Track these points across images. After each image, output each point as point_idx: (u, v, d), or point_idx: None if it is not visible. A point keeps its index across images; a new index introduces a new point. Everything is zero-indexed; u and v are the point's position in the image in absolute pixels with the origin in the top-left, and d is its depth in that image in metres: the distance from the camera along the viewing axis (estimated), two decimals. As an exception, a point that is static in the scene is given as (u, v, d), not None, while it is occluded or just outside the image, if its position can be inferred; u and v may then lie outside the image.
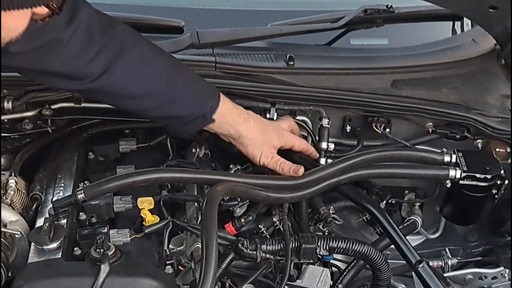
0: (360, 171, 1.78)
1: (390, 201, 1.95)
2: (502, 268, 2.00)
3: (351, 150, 1.92)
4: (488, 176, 1.83)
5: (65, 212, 1.64)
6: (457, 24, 2.32)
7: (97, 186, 1.65)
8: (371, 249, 1.69)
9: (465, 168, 1.81)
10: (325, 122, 1.91)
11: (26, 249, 1.61)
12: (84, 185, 1.69)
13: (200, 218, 1.70)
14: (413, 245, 1.79)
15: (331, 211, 1.78)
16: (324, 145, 1.88)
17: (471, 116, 1.94)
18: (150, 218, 1.67)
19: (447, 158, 1.82)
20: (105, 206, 1.68)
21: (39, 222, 1.66)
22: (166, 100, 1.71)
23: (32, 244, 1.58)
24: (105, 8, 2.20)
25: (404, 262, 1.77)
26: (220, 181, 1.66)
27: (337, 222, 1.98)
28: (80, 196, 1.62)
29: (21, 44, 1.32)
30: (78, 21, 1.56)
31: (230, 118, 1.77)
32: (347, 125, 2.00)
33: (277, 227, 1.75)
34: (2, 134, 1.89)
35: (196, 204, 1.76)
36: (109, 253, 1.50)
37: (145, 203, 1.68)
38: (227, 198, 1.71)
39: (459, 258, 2.07)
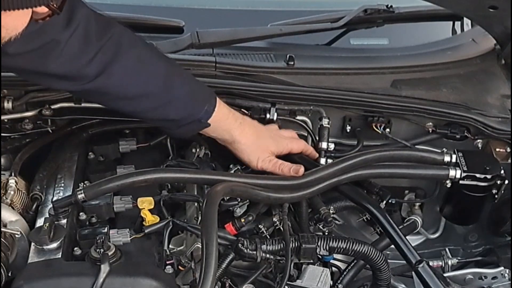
0: (360, 171, 1.78)
1: (390, 201, 1.95)
2: (502, 268, 2.00)
3: (351, 150, 1.92)
4: (488, 176, 1.83)
5: (65, 212, 1.64)
6: (457, 24, 2.32)
7: (97, 186, 1.65)
8: (371, 249, 1.69)
9: (465, 168, 1.81)
10: (325, 122, 1.91)
11: (26, 249, 1.61)
12: (84, 185, 1.69)
13: (200, 218, 1.70)
14: (413, 245, 1.79)
15: (331, 211, 1.78)
16: (324, 145, 1.88)
17: (471, 116, 1.94)
18: (150, 218, 1.67)
19: (447, 158, 1.82)
20: (105, 206, 1.68)
21: (39, 222, 1.66)
22: (161, 102, 1.71)
23: (32, 244, 1.58)
24: (105, 8, 2.21)
25: (404, 262, 1.77)
26: (220, 181, 1.66)
27: (337, 222, 1.98)
28: (80, 196, 1.62)
29: (20, 45, 1.32)
30: (76, 22, 1.57)
31: (225, 123, 1.77)
32: (347, 125, 2.00)
33: (277, 227, 1.75)
34: (2, 134, 1.89)
35: (196, 204, 1.76)
36: (109, 253, 1.50)
37: (145, 203, 1.68)
38: (227, 198, 1.71)
39: (459, 258, 2.07)
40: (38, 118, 1.93)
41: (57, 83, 1.68)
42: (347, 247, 1.67)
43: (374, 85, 1.98)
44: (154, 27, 2.13)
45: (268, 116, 1.92)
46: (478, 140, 1.99)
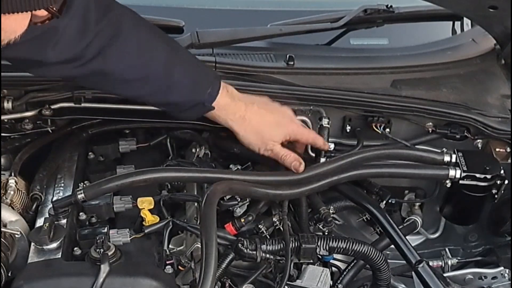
0: (360, 170, 1.78)
1: (390, 201, 1.95)
2: (502, 268, 2.00)
3: (351, 150, 1.92)
4: (488, 176, 1.83)
5: (65, 212, 1.64)
6: (457, 24, 2.32)
7: (97, 186, 1.65)
8: (371, 249, 1.69)
9: (465, 168, 1.81)
10: (325, 122, 1.91)
11: (26, 249, 1.61)
12: (84, 185, 1.69)
13: (199, 218, 1.71)
14: (413, 245, 1.80)
15: (331, 211, 1.78)
16: (324, 145, 1.88)
17: (471, 116, 1.94)
18: (150, 218, 1.67)
19: (447, 158, 1.82)
20: (105, 206, 1.68)
21: (39, 222, 1.66)
22: (163, 86, 1.70)
23: (32, 244, 1.58)
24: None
25: (404, 262, 1.77)
26: (219, 178, 1.66)
27: (337, 222, 1.98)
28: (80, 196, 1.62)
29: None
30: (73, 9, 1.55)
31: (225, 113, 1.75)
32: (347, 125, 2.00)
33: (277, 227, 1.75)
34: (2, 134, 1.89)
35: (196, 204, 1.76)
36: (109, 253, 1.50)
37: (145, 203, 1.68)
38: (227, 197, 1.71)
39: (459, 258, 2.07)
40: (38, 118, 1.93)
41: (55, 70, 1.65)
42: (347, 247, 1.67)
43: (374, 85, 1.97)
44: (154, 27, 2.13)
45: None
46: (478, 140, 1.99)
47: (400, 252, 1.76)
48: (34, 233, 1.60)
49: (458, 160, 1.82)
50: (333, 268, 1.81)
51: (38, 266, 1.52)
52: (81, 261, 1.55)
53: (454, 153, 1.84)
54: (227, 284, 1.66)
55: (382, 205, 1.91)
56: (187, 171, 1.72)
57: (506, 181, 1.86)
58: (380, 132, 1.96)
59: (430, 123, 1.98)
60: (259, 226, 1.73)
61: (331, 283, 1.69)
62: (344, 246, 1.67)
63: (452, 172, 1.80)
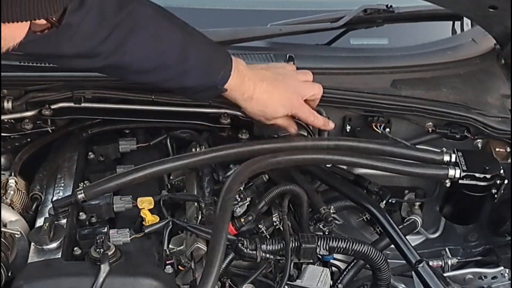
0: (356, 158, 1.79)
1: (390, 201, 1.95)
2: (502, 268, 2.00)
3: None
4: (488, 176, 1.82)
5: (65, 212, 1.64)
6: (457, 24, 2.32)
7: (97, 186, 1.65)
8: (371, 249, 1.69)
9: (464, 168, 1.81)
10: (325, 122, 1.91)
11: (26, 249, 1.61)
12: (84, 185, 1.69)
13: (200, 218, 1.71)
14: (413, 245, 1.80)
15: (331, 211, 1.78)
16: (324, 145, 1.88)
17: (471, 116, 1.94)
18: (150, 218, 1.67)
19: (446, 158, 1.82)
20: (105, 206, 1.68)
21: (39, 222, 1.66)
22: (178, 72, 1.72)
23: (32, 244, 1.58)
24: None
25: (404, 262, 1.77)
26: (218, 157, 1.71)
27: (337, 222, 1.98)
28: (80, 196, 1.62)
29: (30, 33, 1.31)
30: (89, 4, 1.56)
31: (234, 94, 1.77)
32: (347, 125, 2.00)
33: (277, 227, 1.75)
34: (2, 134, 1.89)
35: (196, 204, 1.76)
36: (109, 253, 1.50)
37: (145, 203, 1.68)
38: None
39: (459, 258, 2.07)
40: (38, 118, 1.93)
41: (72, 62, 1.68)
42: (347, 247, 1.67)
43: (374, 85, 1.97)
44: (154, 27, 2.13)
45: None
46: (478, 140, 1.99)
47: (400, 252, 1.76)
48: (34, 233, 1.60)
49: (457, 160, 1.82)
50: (333, 268, 1.81)
51: (38, 266, 1.52)
52: (81, 261, 1.55)
53: (454, 152, 1.84)
54: (227, 284, 1.65)
55: (382, 205, 1.91)
56: (183, 158, 1.72)
57: (506, 181, 1.86)
58: (380, 132, 1.96)
59: (430, 123, 1.98)
60: (259, 226, 1.73)
61: (331, 283, 1.68)
62: (344, 246, 1.67)
63: (451, 172, 1.80)
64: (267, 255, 1.63)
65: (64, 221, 1.64)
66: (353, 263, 1.80)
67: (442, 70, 2.04)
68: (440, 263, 2.05)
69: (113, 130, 1.99)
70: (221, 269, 1.59)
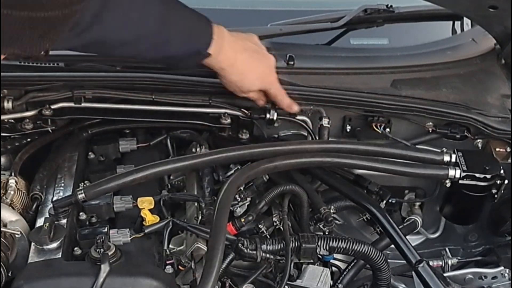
0: (356, 161, 1.78)
1: (390, 200, 1.95)
2: (502, 268, 2.00)
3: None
4: (488, 176, 1.83)
5: (65, 212, 1.64)
6: (457, 24, 2.32)
7: (97, 186, 1.65)
8: (371, 249, 1.69)
9: (464, 168, 1.81)
10: (325, 122, 1.91)
11: (26, 249, 1.61)
12: (84, 185, 1.69)
13: (200, 217, 1.71)
14: (413, 245, 1.79)
15: (331, 211, 1.78)
16: (324, 145, 1.88)
17: (471, 116, 1.94)
18: (150, 218, 1.67)
19: (446, 158, 1.82)
20: (105, 206, 1.68)
21: (39, 222, 1.66)
22: (159, 41, 1.69)
23: (32, 244, 1.58)
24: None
25: (404, 262, 1.77)
26: (219, 159, 1.69)
27: (337, 222, 1.98)
28: (80, 196, 1.62)
29: None
30: None
31: (215, 61, 1.75)
32: (347, 125, 2.00)
33: (277, 227, 1.75)
34: (2, 134, 1.89)
35: (196, 204, 1.76)
36: (109, 253, 1.50)
37: (145, 203, 1.68)
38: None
39: (459, 257, 2.07)
40: (38, 118, 1.93)
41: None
42: (347, 247, 1.67)
43: (374, 85, 1.97)
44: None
45: (268, 116, 1.93)
46: (478, 140, 1.99)
47: (400, 252, 1.76)
48: (34, 233, 1.60)
49: (458, 160, 1.82)
50: (333, 268, 1.81)
51: (38, 266, 1.52)
52: (81, 261, 1.55)
53: (454, 152, 1.84)
54: (227, 284, 1.66)
55: (382, 205, 1.91)
56: (185, 160, 1.71)
57: (506, 181, 1.86)
58: (380, 132, 1.96)
59: (430, 123, 1.98)
60: (259, 226, 1.73)
61: (331, 283, 1.68)
62: (344, 246, 1.67)
63: (452, 172, 1.80)
64: (267, 255, 1.63)
65: (64, 221, 1.63)
66: (353, 263, 1.80)
67: (442, 70, 2.03)
68: (440, 263, 2.05)
69: (113, 130, 1.99)
70: (221, 269, 1.59)
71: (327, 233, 1.79)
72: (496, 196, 1.88)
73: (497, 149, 1.98)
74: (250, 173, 1.70)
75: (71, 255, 1.58)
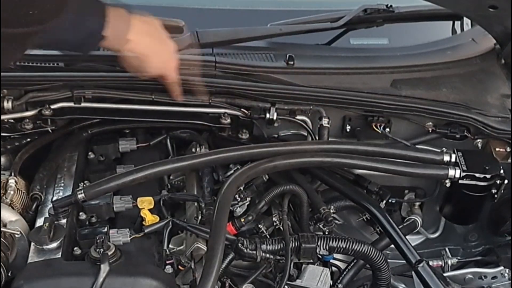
0: (356, 161, 1.78)
1: (390, 200, 1.96)
2: (502, 267, 2.00)
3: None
4: (488, 176, 1.83)
5: (65, 212, 1.65)
6: (457, 24, 2.32)
7: (97, 185, 1.65)
8: (371, 248, 1.69)
9: (464, 168, 1.81)
10: (325, 121, 1.91)
11: (26, 249, 1.61)
12: (84, 185, 1.69)
13: (200, 217, 1.71)
14: (413, 244, 1.80)
15: (331, 211, 1.78)
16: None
17: (471, 116, 1.94)
18: (150, 218, 1.67)
19: (446, 158, 1.82)
20: (105, 206, 1.68)
21: (39, 222, 1.66)
22: (53, 26, 1.53)
23: (32, 244, 1.58)
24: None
25: (404, 261, 1.77)
26: (219, 159, 1.69)
27: (337, 221, 1.98)
28: (80, 196, 1.62)
29: None
30: None
31: (113, 43, 1.69)
32: (347, 125, 2.00)
33: (277, 227, 1.75)
34: (2, 134, 1.89)
35: (196, 204, 1.76)
36: (109, 253, 1.50)
37: (145, 203, 1.68)
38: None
39: (459, 257, 2.08)
40: (38, 118, 1.93)
41: None
42: (347, 246, 1.67)
43: (374, 85, 1.97)
44: (154, 27, 2.13)
45: (268, 115, 1.93)
46: (478, 140, 1.99)
47: (400, 252, 1.76)
48: (34, 233, 1.60)
49: (457, 160, 1.82)
50: (333, 268, 1.81)
51: (38, 266, 1.52)
52: (81, 261, 1.55)
53: (454, 152, 1.84)
54: (227, 284, 1.66)
55: (382, 204, 1.91)
56: (184, 160, 1.72)
57: (506, 181, 1.86)
58: (380, 131, 1.96)
59: (430, 123, 1.98)
60: (259, 226, 1.74)
61: (331, 283, 1.69)
62: (344, 246, 1.67)
63: (451, 172, 1.80)
64: (267, 255, 1.63)
65: (64, 221, 1.64)
66: (353, 263, 1.80)
67: (442, 70, 2.04)
68: (440, 263, 2.05)
69: (113, 130, 1.99)
70: (221, 269, 1.59)
71: (327, 233, 1.79)
72: (496, 196, 1.88)
73: (497, 149, 1.98)
74: (250, 173, 1.70)
75: (71, 255, 1.58)
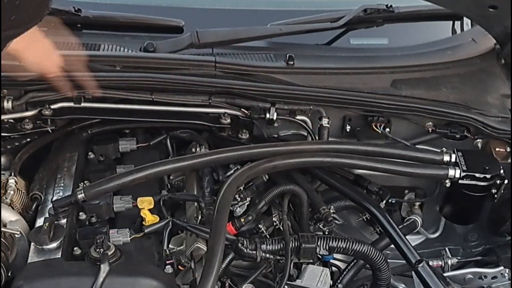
0: (356, 161, 1.78)
1: (390, 200, 1.96)
2: (502, 267, 2.00)
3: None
4: (488, 176, 1.83)
5: (65, 212, 1.65)
6: (457, 23, 2.32)
7: (97, 185, 1.65)
8: (371, 248, 1.69)
9: (464, 168, 1.81)
10: (325, 121, 1.91)
11: (26, 249, 1.61)
12: (84, 185, 1.69)
13: (200, 217, 1.71)
14: (413, 244, 1.80)
15: (331, 211, 1.78)
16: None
17: (471, 116, 1.94)
18: (150, 218, 1.67)
19: (446, 158, 1.82)
20: (105, 206, 1.68)
21: (39, 222, 1.66)
22: None
23: (32, 244, 1.58)
24: (105, 8, 2.21)
25: (404, 261, 1.77)
26: (219, 159, 1.69)
27: (337, 222, 1.98)
28: (80, 196, 1.62)
29: None
30: None
31: None
32: (347, 125, 2.00)
33: (277, 227, 1.75)
34: (2, 134, 1.89)
35: (196, 204, 1.76)
36: (109, 253, 1.50)
37: (145, 203, 1.68)
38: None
39: (459, 257, 2.08)
40: (38, 118, 1.93)
41: None
42: (347, 246, 1.67)
43: (374, 85, 1.97)
44: (154, 27, 2.13)
45: (268, 115, 1.93)
46: (478, 140, 1.99)
47: (400, 252, 1.76)
48: (34, 233, 1.60)
49: (457, 160, 1.82)
50: (333, 268, 1.81)
51: (38, 266, 1.52)
52: (81, 261, 1.55)
53: (454, 152, 1.84)
54: (227, 284, 1.66)
55: (382, 204, 1.91)
56: (184, 160, 1.72)
57: (506, 181, 1.86)
58: (380, 131, 1.96)
59: (430, 123, 1.98)
60: (259, 226, 1.74)
61: (331, 283, 1.69)
62: (344, 246, 1.67)
63: (451, 172, 1.80)
64: (267, 255, 1.63)
65: (64, 221, 1.64)
66: (353, 263, 1.80)
67: (442, 70, 2.03)
68: (440, 263, 2.05)
69: (113, 130, 1.99)
70: (221, 269, 1.59)
71: (327, 233, 1.79)
72: (496, 196, 1.88)
73: (497, 149, 1.98)
74: (250, 173, 1.70)
75: (71, 255, 1.58)
